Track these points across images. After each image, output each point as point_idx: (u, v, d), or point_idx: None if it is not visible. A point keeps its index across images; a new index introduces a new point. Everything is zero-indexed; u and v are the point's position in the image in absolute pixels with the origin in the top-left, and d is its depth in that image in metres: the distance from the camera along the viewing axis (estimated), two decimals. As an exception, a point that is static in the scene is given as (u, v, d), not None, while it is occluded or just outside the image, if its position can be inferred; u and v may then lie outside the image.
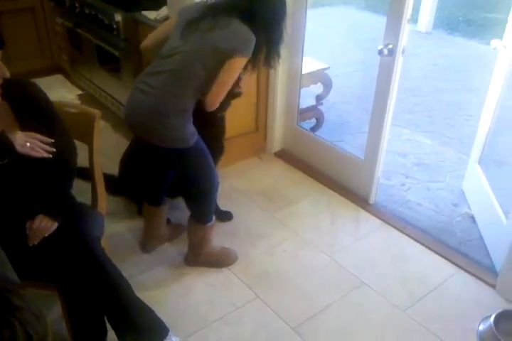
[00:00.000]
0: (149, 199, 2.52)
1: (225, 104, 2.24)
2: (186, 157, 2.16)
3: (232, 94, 2.25)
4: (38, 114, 1.81)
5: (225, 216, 2.78)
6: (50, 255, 1.73)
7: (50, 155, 1.70)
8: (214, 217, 2.42)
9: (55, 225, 1.76)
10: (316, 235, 2.71)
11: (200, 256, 2.46)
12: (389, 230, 2.76)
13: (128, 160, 2.73)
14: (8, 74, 1.69)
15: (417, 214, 2.88)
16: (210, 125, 2.35)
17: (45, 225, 1.74)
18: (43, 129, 1.77)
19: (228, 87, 2.04)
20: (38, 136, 1.72)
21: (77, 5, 3.53)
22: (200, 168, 2.23)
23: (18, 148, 1.65)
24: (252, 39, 1.97)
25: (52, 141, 1.73)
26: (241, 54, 1.97)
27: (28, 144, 1.67)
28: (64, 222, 1.79)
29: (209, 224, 2.38)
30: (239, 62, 1.99)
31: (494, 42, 2.63)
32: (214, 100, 2.04)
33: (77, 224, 1.84)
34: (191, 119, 2.10)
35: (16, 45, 4.13)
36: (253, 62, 2.11)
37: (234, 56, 1.96)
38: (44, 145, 1.70)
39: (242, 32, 1.97)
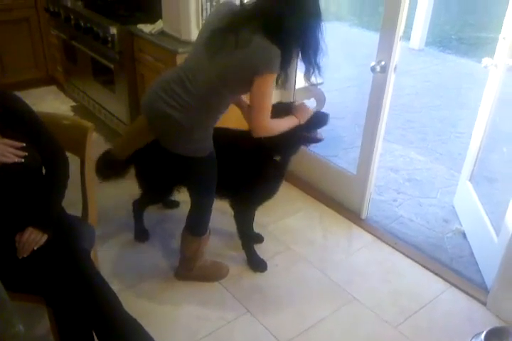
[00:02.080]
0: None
1: (294, 148, 2.31)
2: (195, 165, 2.14)
3: (309, 139, 2.29)
4: (20, 126, 1.80)
5: (257, 238, 2.73)
6: (38, 267, 1.71)
7: (22, 160, 1.69)
8: (209, 230, 2.39)
9: (44, 238, 1.74)
10: (309, 250, 2.70)
11: (193, 271, 2.43)
12: (381, 246, 2.75)
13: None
14: None
15: (408, 230, 2.89)
16: (273, 166, 2.33)
17: (34, 238, 1.72)
18: (27, 141, 1.76)
19: (266, 106, 1.96)
20: (7, 140, 1.70)
21: (72, 17, 3.54)
22: (204, 179, 2.22)
23: None
24: (275, 53, 1.86)
25: (23, 144, 1.72)
26: (267, 70, 1.88)
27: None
28: (53, 235, 1.77)
29: (203, 236, 2.36)
30: (266, 80, 1.90)
31: (485, 61, 2.67)
32: (257, 124, 1.99)
33: (66, 236, 1.82)
34: (212, 132, 2.09)
35: (11, 55, 4.15)
36: (283, 77, 2.03)
37: (260, 74, 1.88)
38: (15, 150, 1.69)
39: (264, 48, 1.86)
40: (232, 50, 1.89)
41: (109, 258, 2.47)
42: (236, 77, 1.93)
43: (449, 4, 8.73)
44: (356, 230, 2.87)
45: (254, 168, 2.30)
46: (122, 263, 2.54)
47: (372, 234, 2.83)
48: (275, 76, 1.94)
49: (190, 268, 2.44)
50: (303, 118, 2.18)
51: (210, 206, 2.32)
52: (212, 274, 2.47)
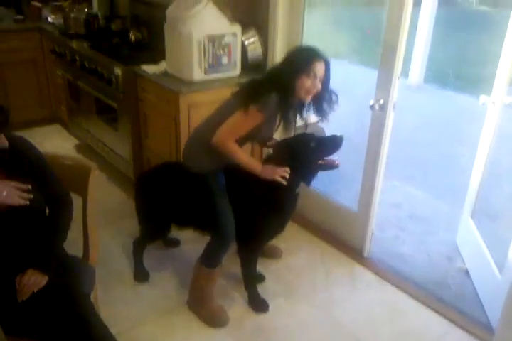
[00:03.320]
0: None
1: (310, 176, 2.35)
2: (198, 185, 2.27)
3: (326, 166, 2.38)
4: (27, 169, 1.82)
5: (259, 278, 2.67)
6: (38, 311, 1.69)
7: (28, 203, 1.71)
8: (219, 267, 2.37)
9: (45, 280, 1.73)
10: (311, 289, 2.67)
11: (202, 311, 2.41)
12: (384, 285, 2.72)
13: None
14: (6, 145, 1.72)
15: (411, 268, 2.86)
16: (288, 198, 2.36)
17: (35, 280, 1.71)
18: (33, 184, 1.78)
19: (234, 131, 2.17)
20: (14, 183, 1.72)
21: (77, 58, 3.63)
22: (208, 206, 2.27)
23: None
24: (269, 98, 2.10)
25: (29, 187, 1.73)
26: (255, 106, 2.10)
27: (5, 193, 1.67)
28: (54, 277, 1.76)
29: (215, 269, 2.35)
30: (251, 113, 2.11)
31: (483, 98, 2.71)
32: (220, 137, 2.18)
33: (66, 279, 1.81)
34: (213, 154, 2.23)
35: (16, 95, 4.23)
36: (284, 123, 2.23)
37: (249, 106, 2.10)
38: (21, 193, 1.71)
39: (263, 92, 2.12)
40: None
41: (108, 299, 2.44)
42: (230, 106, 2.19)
43: (446, 42, 8.92)
44: (359, 269, 2.85)
45: (270, 199, 2.30)
46: (122, 304, 2.50)
47: (375, 272, 2.81)
48: (260, 115, 2.11)
49: (198, 301, 2.42)
50: (263, 174, 2.23)
51: (223, 239, 2.31)
52: (215, 317, 2.41)
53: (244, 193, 2.32)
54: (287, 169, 2.23)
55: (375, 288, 2.70)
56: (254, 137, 2.31)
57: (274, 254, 2.87)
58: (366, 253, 2.93)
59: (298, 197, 2.40)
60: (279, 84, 2.13)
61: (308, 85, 2.17)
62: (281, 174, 2.22)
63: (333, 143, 2.37)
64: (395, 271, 2.82)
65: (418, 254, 3.00)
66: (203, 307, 2.42)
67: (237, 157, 2.22)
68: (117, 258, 2.82)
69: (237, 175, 2.30)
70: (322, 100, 2.30)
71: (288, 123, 2.23)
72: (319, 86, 2.20)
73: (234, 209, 2.29)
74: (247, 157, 2.28)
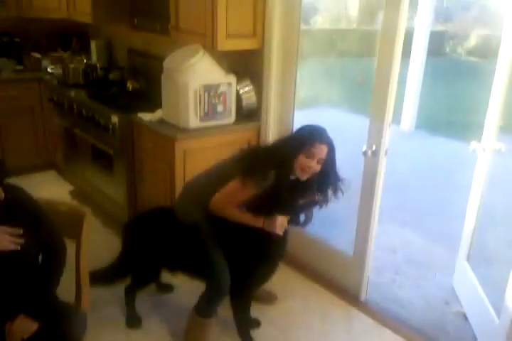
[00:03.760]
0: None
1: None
2: (189, 232, 2.29)
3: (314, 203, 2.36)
4: (21, 216, 1.83)
5: (254, 323, 2.63)
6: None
7: (18, 248, 1.71)
8: (214, 316, 2.35)
9: (35, 326, 1.70)
10: (307, 335, 2.62)
11: None
12: (382, 330, 2.68)
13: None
14: (2, 197, 1.75)
15: (409, 313, 2.82)
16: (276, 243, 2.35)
17: (25, 327, 1.68)
18: (26, 230, 1.78)
19: (231, 200, 2.19)
20: (5, 228, 1.73)
21: (75, 107, 3.71)
22: (201, 255, 2.28)
23: None
24: (266, 174, 2.14)
25: (21, 232, 1.74)
26: (252, 181, 2.14)
27: None
28: (44, 323, 1.73)
29: (208, 319, 2.31)
30: (248, 186, 2.15)
31: (473, 145, 2.76)
32: (217, 203, 2.21)
33: (57, 324, 1.79)
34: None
35: (12, 141, 4.29)
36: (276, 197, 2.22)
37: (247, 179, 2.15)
38: (12, 238, 1.71)
39: (262, 168, 2.17)
40: None
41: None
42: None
43: (436, 90, 9.16)
44: (355, 313, 2.81)
45: (258, 245, 2.30)
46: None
47: (372, 317, 2.77)
48: (255, 189, 2.16)
49: None
50: (267, 226, 2.23)
51: (214, 289, 2.31)
52: None
53: (231, 241, 2.32)
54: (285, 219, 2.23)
55: (373, 334, 2.65)
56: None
57: (269, 299, 2.83)
58: (363, 297, 2.90)
59: (286, 242, 2.39)
60: (278, 161, 2.16)
61: (304, 165, 2.18)
62: (285, 225, 2.23)
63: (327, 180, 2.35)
64: (393, 316, 2.79)
65: (415, 298, 2.97)
66: None
67: (237, 219, 2.24)
68: (109, 304, 2.77)
69: (224, 223, 2.29)
70: (324, 183, 2.30)
71: (279, 198, 2.22)
72: (317, 168, 2.21)
73: (224, 256, 2.29)
74: (246, 216, 2.25)
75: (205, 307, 2.34)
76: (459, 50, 13.43)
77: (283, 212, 2.24)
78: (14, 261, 1.75)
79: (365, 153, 2.66)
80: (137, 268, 2.55)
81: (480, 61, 12.09)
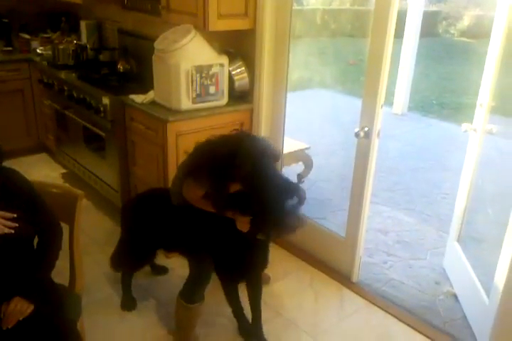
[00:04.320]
0: None
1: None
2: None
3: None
4: (16, 199, 1.83)
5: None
6: (22, 339, 1.67)
7: (12, 231, 1.71)
8: (202, 299, 2.32)
9: (30, 308, 1.71)
10: (299, 315, 2.66)
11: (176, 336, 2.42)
12: (373, 310, 2.72)
13: None
14: None
15: (400, 293, 2.86)
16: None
17: (20, 308, 1.69)
18: (21, 213, 1.78)
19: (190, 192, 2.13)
20: None
21: (65, 88, 3.67)
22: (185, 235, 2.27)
23: None
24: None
25: (14, 215, 1.73)
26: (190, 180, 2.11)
27: None
28: (40, 305, 1.75)
29: (195, 305, 2.30)
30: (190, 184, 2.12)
31: (465, 126, 2.78)
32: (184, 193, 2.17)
33: (52, 307, 1.80)
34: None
35: (3, 124, 4.24)
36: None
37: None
38: (5, 221, 1.71)
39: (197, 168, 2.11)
40: None
41: (95, 328, 2.40)
42: None
43: (429, 71, 9.15)
44: (347, 294, 2.84)
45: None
46: (109, 333, 2.47)
47: (363, 297, 2.80)
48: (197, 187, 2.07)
49: (177, 332, 2.40)
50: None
51: (204, 273, 2.30)
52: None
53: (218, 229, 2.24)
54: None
55: (364, 313, 2.69)
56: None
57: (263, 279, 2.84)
58: (355, 278, 2.93)
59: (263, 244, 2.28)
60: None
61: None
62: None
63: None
64: (384, 296, 2.82)
65: (406, 279, 3.00)
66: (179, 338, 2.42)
67: (206, 208, 2.15)
68: (104, 287, 2.79)
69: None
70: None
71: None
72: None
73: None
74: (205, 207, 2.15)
75: (188, 293, 2.33)
76: (452, 30, 13.37)
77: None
78: (9, 244, 1.75)
79: (357, 135, 2.66)
80: (134, 249, 2.56)
81: (473, 42, 12.05)
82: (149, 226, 2.43)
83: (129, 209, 2.62)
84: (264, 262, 2.36)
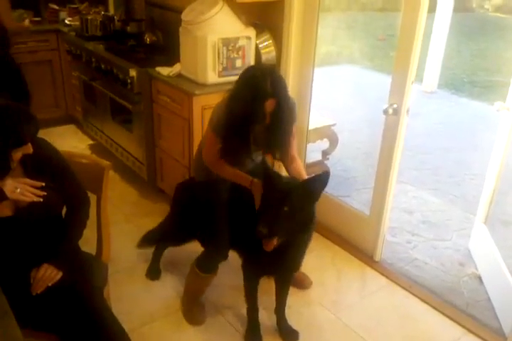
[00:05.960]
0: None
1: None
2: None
3: None
4: (46, 168, 1.85)
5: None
6: (52, 305, 1.72)
7: (41, 199, 1.73)
8: (214, 272, 2.37)
9: (59, 275, 1.75)
10: (321, 292, 2.66)
11: (184, 302, 2.50)
12: (395, 289, 2.71)
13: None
14: (31, 151, 1.74)
15: (423, 273, 2.84)
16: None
17: (49, 274, 1.74)
18: (50, 182, 1.80)
19: (211, 150, 2.17)
20: (28, 180, 1.74)
21: (93, 60, 3.66)
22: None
23: (8, 194, 1.68)
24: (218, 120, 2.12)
25: (43, 184, 1.75)
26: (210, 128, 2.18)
27: (18, 190, 1.70)
28: (68, 272, 1.78)
29: (208, 274, 2.35)
30: (209, 134, 2.18)
31: (498, 105, 2.69)
32: (204, 155, 2.24)
33: (80, 274, 1.84)
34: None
35: (32, 95, 4.26)
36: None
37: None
38: (34, 190, 1.73)
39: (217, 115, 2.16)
40: None
41: (120, 296, 2.45)
42: None
43: (461, 48, 8.89)
44: (370, 272, 2.83)
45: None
46: (134, 301, 2.53)
47: (386, 276, 2.79)
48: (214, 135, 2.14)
49: (185, 296, 2.48)
50: (254, 188, 2.11)
51: (220, 250, 2.33)
52: (191, 317, 2.45)
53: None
54: None
55: (387, 292, 2.68)
56: (239, 154, 2.22)
57: (302, 284, 2.69)
58: (377, 257, 2.91)
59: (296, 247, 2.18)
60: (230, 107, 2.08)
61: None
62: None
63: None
64: (407, 276, 2.81)
65: (430, 260, 2.98)
66: (185, 303, 2.49)
67: (227, 176, 2.20)
68: (129, 256, 2.84)
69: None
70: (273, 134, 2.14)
71: (232, 146, 2.12)
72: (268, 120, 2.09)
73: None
74: (236, 173, 2.18)
75: (203, 263, 2.38)
76: (486, 5, 12.91)
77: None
78: (37, 212, 1.78)
79: (385, 111, 2.60)
80: (180, 229, 2.56)
81: (508, 17, 11.64)
82: (194, 210, 2.42)
83: (182, 189, 2.57)
84: (292, 265, 2.27)
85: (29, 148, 1.72)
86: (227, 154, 2.14)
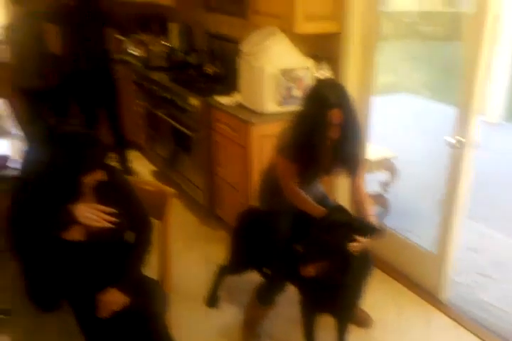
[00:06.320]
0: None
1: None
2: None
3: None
4: (117, 196, 1.88)
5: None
6: (116, 328, 1.74)
7: (112, 225, 1.75)
8: (271, 304, 2.36)
9: (126, 300, 1.77)
10: (383, 331, 2.54)
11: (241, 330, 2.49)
12: (461, 332, 2.54)
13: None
14: (105, 178, 1.79)
15: (491, 317, 2.65)
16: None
17: (117, 299, 1.75)
18: (119, 210, 1.82)
19: (286, 175, 2.16)
20: (100, 206, 1.77)
21: (156, 88, 3.76)
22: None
23: (81, 219, 1.70)
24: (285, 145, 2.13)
25: (114, 211, 1.77)
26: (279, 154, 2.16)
27: (90, 215, 1.72)
28: (133, 297, 1.80)
29: (265, 306, 2.35)
30: (280, 159, 2.17)
31: None
32: (281, 183, 2.20)
33: (143, 299, 1.84)
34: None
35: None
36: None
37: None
38: (105, 216, 1.75)
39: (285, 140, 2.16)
40: None
41: (179, 323, 2.41)
42: None
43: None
44: (434, 313, 2.68)
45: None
46: (192, 328, 2.53)
47: (451, 318, 2.63)
48: (286, 160, 2.12)
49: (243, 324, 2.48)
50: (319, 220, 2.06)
51: (278, 278, 2.31)
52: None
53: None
54: None
55: (452, 335, 2.52)
56: (311, 175, 2.25)
57: (363, 322, 2.58)
58: (442, 297, 2.75)
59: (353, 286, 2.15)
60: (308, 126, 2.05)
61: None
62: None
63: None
64: (473, 319, 2.63)
65: (498, 303, 2.78)
66: (243, 333, 2.48)
67: (301, 203, 2.17)
68: (189, 282, 2.85)
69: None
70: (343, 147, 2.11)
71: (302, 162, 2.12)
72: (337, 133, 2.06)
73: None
74: (308, 202, 2.17)
75: (262, 294, 2.38)
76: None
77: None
78: (105, 237, 1.81)
79: (450, 144, 2.48)
80: (242, 258, 2.54)
81: None
82: (256, 240, 2.41)
83: (244, 219, 2.55)
84: (349, 302, 2.20)
85: (102, 175, 1.74)
86: (300, 173, 2.13)
